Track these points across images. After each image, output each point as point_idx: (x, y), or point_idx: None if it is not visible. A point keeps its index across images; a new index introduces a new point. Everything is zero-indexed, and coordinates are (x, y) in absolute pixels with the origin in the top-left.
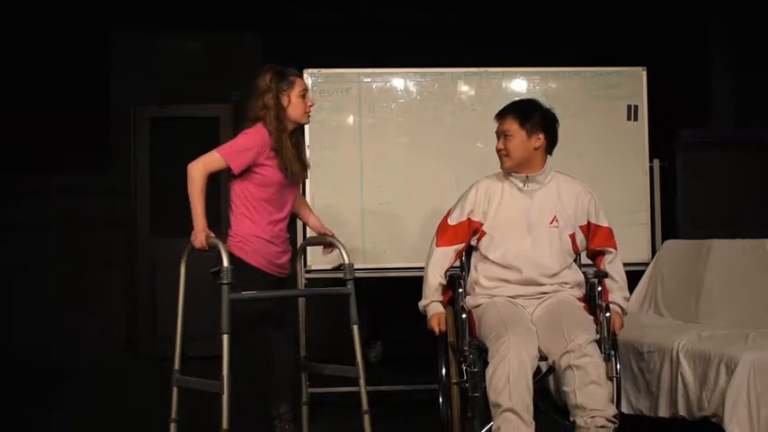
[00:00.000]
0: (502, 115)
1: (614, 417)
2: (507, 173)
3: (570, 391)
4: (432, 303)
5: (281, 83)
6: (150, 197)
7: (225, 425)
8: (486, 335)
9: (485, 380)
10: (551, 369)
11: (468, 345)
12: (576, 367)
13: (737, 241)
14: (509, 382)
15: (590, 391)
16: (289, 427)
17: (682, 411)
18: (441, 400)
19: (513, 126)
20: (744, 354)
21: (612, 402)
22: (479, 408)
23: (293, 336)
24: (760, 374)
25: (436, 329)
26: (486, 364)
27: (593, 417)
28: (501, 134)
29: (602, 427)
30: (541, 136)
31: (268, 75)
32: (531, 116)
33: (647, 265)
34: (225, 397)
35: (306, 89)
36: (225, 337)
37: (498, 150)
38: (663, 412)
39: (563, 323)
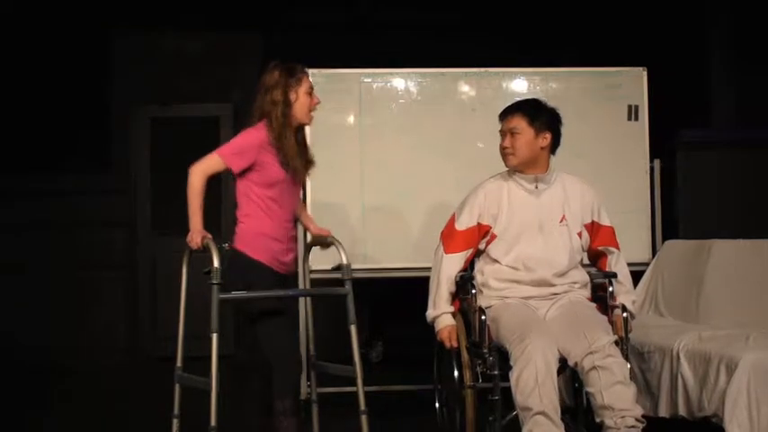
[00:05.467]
0: (508, 113)
1: (642, 416)
2: (512, 173)
3: (596, 392)
4: (442, 315)
5: (290, 79)
6: (151, 197)
7: (213, 422)
8: (507, 337)
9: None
10: (561, 369)
11: (487, 347)
12: (601, 368)
13: (738, 241)
14: (537, 384)
15: (617, 391)
16: (292, 424)
17: (682, 411)
18: (438, 405)
19: (521, 123)
20: (744, 354)
21: (637, 402)
22: (499, 410)
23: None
24: (760, 375)
25: (447, 343)
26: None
27: (622, 417)
28: (507, 132)
29: (632, 426)
30: (548, 135)
31: (276, 71)
32: (540, 114)
33: (647, 265)
34: (213, 394)
35: (312, 87)
36: (214, 336)
37: (504, 148)
38: (663, 412)
39: (582, 324)
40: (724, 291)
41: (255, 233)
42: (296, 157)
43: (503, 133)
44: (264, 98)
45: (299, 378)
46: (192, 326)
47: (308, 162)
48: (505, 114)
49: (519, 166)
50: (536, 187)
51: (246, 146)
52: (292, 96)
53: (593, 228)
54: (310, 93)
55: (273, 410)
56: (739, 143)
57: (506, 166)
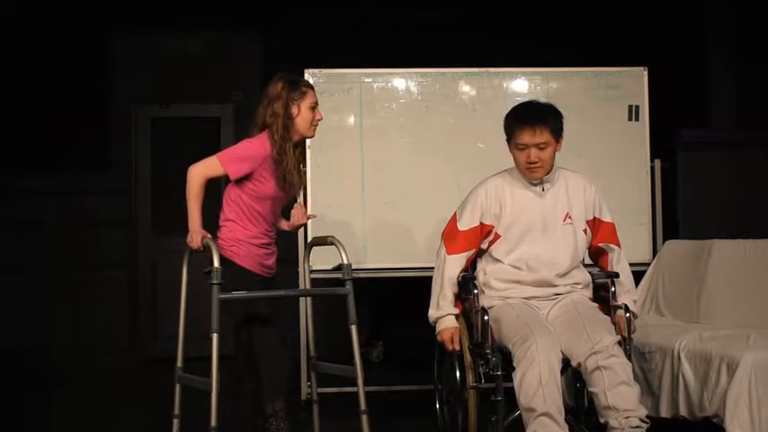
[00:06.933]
0: (535, 125)
1: (647, 417)
2: (516, 172)
3: (600, 393)
4: (445, 317)
5: (293, 92)
6: (151, 197)
7: (213, 422)
8: (510, 338)
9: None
10: (563, 370)
11: (490, 348)
12: (605, 368)
13: (739, 241)
14: (541, 385)
15: (621, 391)
16: (283, 425)
17: (683, 412)
18: (438, 405)
19: (549, 137)
20: (745, 354)
21: (641, 403)
22: (502, 411)
23: (286, 334)
24: (761, 375)
25: (449, 346)
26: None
27: (626, 417)
28: (533, 146)
29: (637, 427)
30: (561, 139)
31: (280, 83)
32: (557, 121)
33: (648, 265)
34: (214, 395)
35: (316, 102)
36: (214, 336)
37: (532, 163)
38: (664, 412)
39: (585, 324)
40: (724, 291)
41: (240, 239)
42: (293, 172)
43: (525, 146)
44: (266, 109)
45: (290, 380)
46: (192, 326)
47: (301, 179)
48: (531, 127)
49: (544, 176)
50: (542, 189)
51: (247, 154)
52: (294, 110)
53: (594, 224)
54: (314, 108)
55: (263, 413)
56: (739, 143)
57: (532, 178)
